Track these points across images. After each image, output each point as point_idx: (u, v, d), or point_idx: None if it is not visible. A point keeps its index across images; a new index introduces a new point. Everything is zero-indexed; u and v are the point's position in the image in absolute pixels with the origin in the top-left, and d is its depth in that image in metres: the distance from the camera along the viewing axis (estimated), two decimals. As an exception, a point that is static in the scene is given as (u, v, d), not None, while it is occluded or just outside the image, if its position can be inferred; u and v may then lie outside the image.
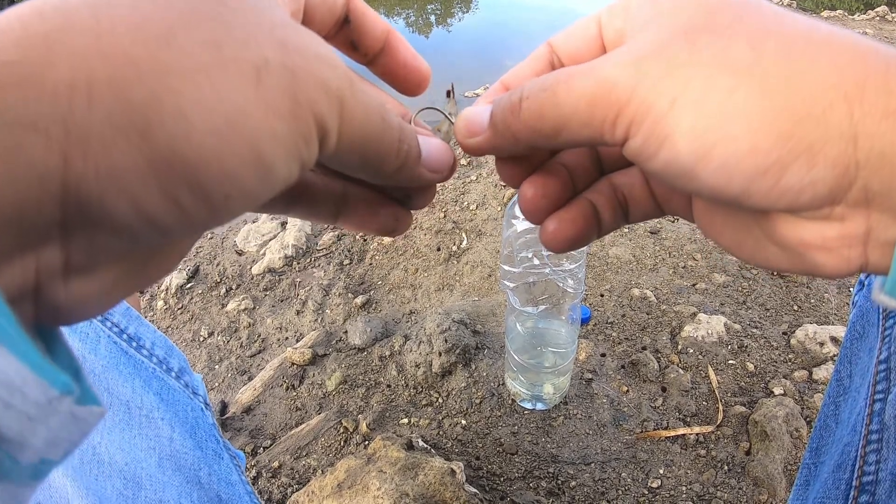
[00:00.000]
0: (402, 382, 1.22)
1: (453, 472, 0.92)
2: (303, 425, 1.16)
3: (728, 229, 0.29)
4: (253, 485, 1.05)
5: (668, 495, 0.99)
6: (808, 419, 1.07)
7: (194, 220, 0.20)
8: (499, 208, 1.68)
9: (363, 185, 0.31)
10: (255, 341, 1.46)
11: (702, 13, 0.24)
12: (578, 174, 0.33)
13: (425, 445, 1.03)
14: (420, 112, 0.33)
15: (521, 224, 0.93)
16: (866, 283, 0.55)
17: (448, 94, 0.34)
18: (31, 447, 0.18)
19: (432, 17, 6.17)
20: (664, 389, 1.15)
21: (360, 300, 1.48)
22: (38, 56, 0.17)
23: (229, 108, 0.19)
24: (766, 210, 0.25)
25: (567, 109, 0.25)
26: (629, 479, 1.01)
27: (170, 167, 0.18)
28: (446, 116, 0.34)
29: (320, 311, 1.49)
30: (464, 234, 1.63)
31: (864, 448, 0.46)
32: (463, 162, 1.94)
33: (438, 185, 1.65)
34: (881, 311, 0.49)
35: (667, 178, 0.25)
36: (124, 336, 0.59)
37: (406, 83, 0.33)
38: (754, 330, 1.27)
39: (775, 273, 1.43)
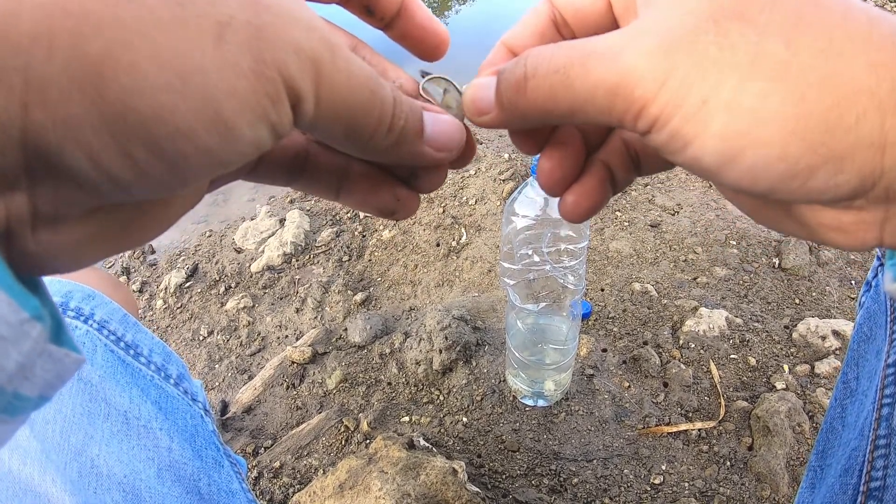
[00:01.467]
0: (403, 380, 1.22)
1: (455, 471, 0.92)
2: (304, 425, 1.15)
3: (748, 200, 0.29)
4: (254, 485, 1.04)
5: (670, 492, 0.98)
6: (810, 414, 1.06)
7: (154, 178, 0.20)
8: (498, 203, 1.67)
9: (366, 161, 0.30)
10: (255, 340, 1.45)
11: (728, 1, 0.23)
12: (590, 133, 0.32)
13: (426, 444, 1.03)
14: (428, 80, 0.31)
15: (521, 221, 0.92)
16: (873, 283, 0.54)
17: (423, 75, 0.32)
18: (4, 370, 0.18)
19: (429, 11, 6.13)
20: (666, 385, 1.15)
21: (359, 297, 1.48)
22: (5, 9, 0.17)
23: (185, 64, 0.19)
24: (788, 202, 0.26)
25: (582, 95, 0.24)
26: (631, 476, 1.01)
27: (123, 121, 0.18)
28: (454, 87, 0.31)
29: (320, 309, 1.48)
30: (463, 230, 1.62)
31: (871, 453, 0.46)
32: (461, 156, 1.93)
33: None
34: (889, 313, 0.49)
35: (689, 169, 0.25)
36: (121, 344, 0.58)
37: (423, 46, 0.32)
38: (756, 324, 1.27)
39: (777, 266, 1.42)
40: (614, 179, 0.32)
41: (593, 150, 0.32)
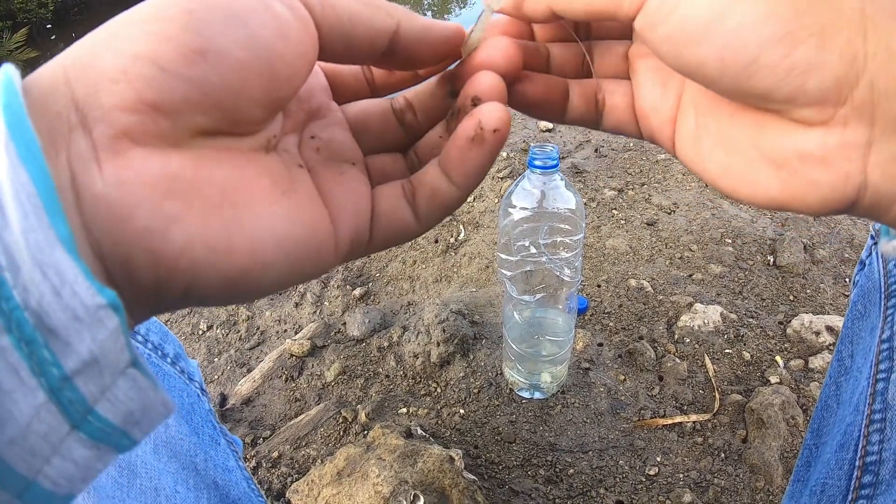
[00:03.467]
0: (401, 373, 1.22)
1: (452, 459, 0.92)
2: (302, 416, 1.16)
3: (716, 152, 0.28)
4: (253, 474, 1.05)
5: (665, 482, 0.99)
6: (804, 407, 1.07)
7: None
8: (496, 200, 1.68)
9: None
10: (254, 334, 1.46)
11: None
12: (565, 67, 0.34)
13: (424, 434, 1.04)
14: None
15: (518, 213, 0.93)
16: (867, 262, 0.55)
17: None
18: (76, 353, 0.18)
19: (428, 13, 6.16)
20: (661, 378, 1.16)
21: (358, 292, 1.48)
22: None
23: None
24: (770, 96, 0.24)
25: None
26: (627, 467, 1.02)
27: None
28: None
29: (319, 304, 1.49)
30: (461, 226, 1.63)
31: (867, 428, 0.47)
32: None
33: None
34: (883, 290, 0.50)
35: (674, 46, 0.25)
36: None
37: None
38: (750, 319, 1.28)
39: (771, 264, 1.44)
40: (568, 104, 0.33)
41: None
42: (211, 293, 0.23)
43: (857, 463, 0.47)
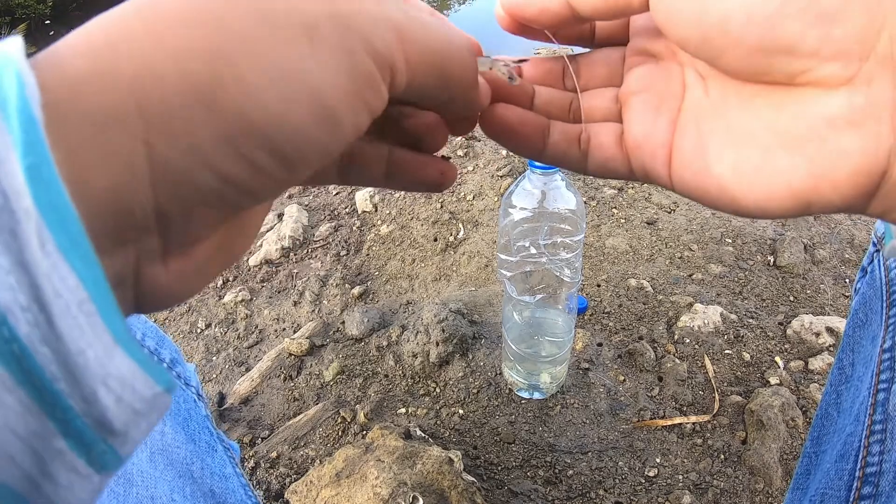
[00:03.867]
0: (400, 372, 1.22)
1: (451, 460, 0.92)
2: (301, 416, 1.15)
3: (726, 153, 0.27)
4: (251, 475, 1.05)
5: (664, 484, 0.99)
6: (803, 408, 1.07)
7: (277, 178, 0.22)
8: (496, 199, 1.68)
9: (406, 145, 0.32)
10: (253, 332, 1.45)
11: None
12: (550, 108, 0.34)
13: (423, 435, 1.03)
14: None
15: (519, 213, 0.93)
16: (868, 269, 0.55)
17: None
18: (132, 440, 0.19)
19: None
20: (661, 379, 1.16)
21: (357, 291, 1.48)
22: (104, 66, 0.18)
23: (286, 68, 0.20)
24: (796, 49, 0.24)
25: None
26: (626, 468, 1.01)
27: (243, 133, 0.20)
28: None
29: (317, 302, 1.48)
30: (461, 225, 1.62)
31: (867, 438, 0.46)
32: (459, 153, 1.94)
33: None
34: (885, 298, 0.49)
35: (693, 13, 0.25)
36: None
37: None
38: (750, 320, 1.27)
39: (772, 264, 1.43)
40: (547, 139, 0.33)
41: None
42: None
43: (856, 473, 0.47)
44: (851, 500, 0.47)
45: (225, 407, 1.22)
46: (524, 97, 0.33)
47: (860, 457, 0.47)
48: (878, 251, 0.53)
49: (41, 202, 0.16)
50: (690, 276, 1.41)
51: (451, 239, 1.59)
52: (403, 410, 1.14)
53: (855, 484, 0.47)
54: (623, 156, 0.32)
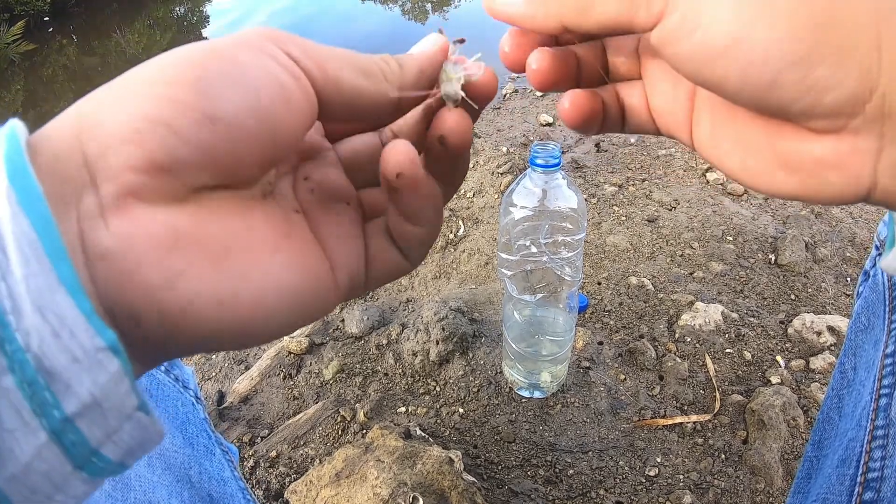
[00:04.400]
0: (400, 371, 1.22)
1: (451, 460, 0.92)
2: (300, 415, 1.15)
3: (735, 152, 0.29)
4: (251, 474, 1.05)
5: (665, 483, 0.99)
6: (805, 408, 1.07)
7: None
8: (496, 196, 1.67)
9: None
10: (252, 330, 1.45)
11: None
12: (586, 72, 0.34)
13: (423, 434, 1.03)
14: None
15: (519, 212, 0.92)
16: (871, 273, 0.54)
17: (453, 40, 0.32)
18: (76, 395, 0.19)
19: (428, 6, 6.13)
20: (661, 378, 1.15)
21: (356, 288, 1.48)
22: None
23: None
24: (787, 110, 0.25)
25: None
26: (626, 468, 1.01)
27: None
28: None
29: (317, 300, 1.48)
30: (461, 222, 1.62)
31: (869, 444, 0.46)
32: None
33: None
34: (887, 303, 0.49)
35: (695, 63, 0.26)
36: None
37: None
38: (751, 319, 1.27)
39: (773, 262, 1.43)
40: (606, 115, 0.34)
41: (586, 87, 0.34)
42: (217, 344, 0.23)
43: (858, 479, 0.46)
44: None
45: (224, 406, 1.22)
46: (571, 69, 0.33)
47: (862, 462, 0.46)
48: (880, 254, 0.53)
49: (7, 157, 0.19)
50: (691, 274, 1.41)
51: (451, 236, 1.59)
52: (403, 409, 1.14)
53: (856, 489, 0.46)
54: (652, 120, 0.34)
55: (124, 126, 0.21)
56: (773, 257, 1.44)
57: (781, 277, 1.39)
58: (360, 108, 0.27)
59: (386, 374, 1.22)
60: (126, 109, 0.21)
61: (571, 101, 0.32)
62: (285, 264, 0.25)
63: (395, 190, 0.27)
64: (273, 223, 0.26)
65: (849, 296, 1.35)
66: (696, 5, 0.24)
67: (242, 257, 0.24)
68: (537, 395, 1.12)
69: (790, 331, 1.23)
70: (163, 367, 0.60)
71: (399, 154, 0.26)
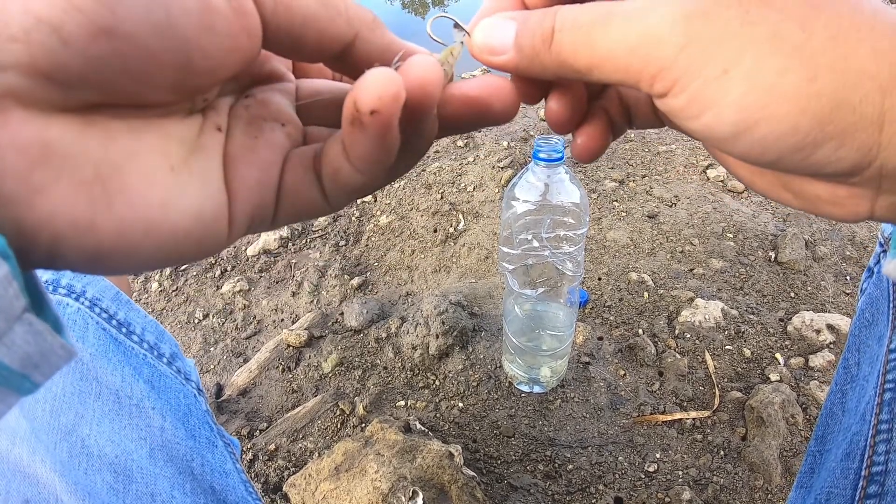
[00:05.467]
0: (399, 365, 1.21)
1: (451, 454, 0.92)
2: (299, 408, 1.15)
3: (745, 170, 0.32)
4: (249, 468, 1.04)
5: (664, 479, 0.99)
6: (803, 406, 1.07)
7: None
8: (496, 190, 1.67)
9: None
10: (251, 323, 1.45)
11: None
12: (591, 84, 0.34)
13: (423, 428, 1.03)
14: (436, 19, 0.31)
15: (521, 206, 0.92)
16: (875, 270, 0.54)
17: (456, 26, 0.30)
18: None
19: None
20: (661, 374, 1.15)
21: (356, 282, 1.48)
22: None
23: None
24: (787, 173, 0.28)
25: (602, 53, 0.26)
26: (626, 463, 1.01)
27: None
28: (462, 29, 0.30)
29: (316, 293, 1.48)
30: (461, 216, 1.62)
31: (873, 438, 0.46)
32: (460, 143, 1.93)
33: (436, 166, 1.62)
34: (891, 299, 0.49)
35: (699, 137, 0.27)
36: (113, 322, 0.57)
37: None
38: (751, 316, 1.27)
39: (773, 260, 1.43)
40: (614, 126, 0.34)
41: (593, 99, 0.34)
42: (75, 265, 0.22)
43: (862, 473, 0.46)
44: (857, 499, 0.46)
45: (223, 398, 1.22)
46: (579, 91, 0.33)
47: (866, 456, 0.46)
48: (884, 251, 0.53)
49: None
50: (691, 270, 1.41)
51: (451, 230, 1.59)
52: (402, 403, 1.14)
53: (861, 483, 0.46)
54: (657, 118, 0.34)
55: (15, 23, 0.19)
56: (773, 255, 1.44)
57: (781, 275, 1.39)
58: (306, 38, 0.25)
59: (385, 368, 1.22)
60: (25, 7, 0.19)
61: (584, 147, 0.34)
62: (163, 199, 0.23)
63: (357, 126, 0.24)
64: (171, 149, 0.24)
65: (848, 294, 1.35)
66: (703, 93, 0.24)
67: (113, 183, 0.21)
68: (537, 389, 1.12)
69: (790, 328, 1.23)
70: (165, 359, 0.60)
71: (382, 86, 0.23)
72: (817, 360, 1.15)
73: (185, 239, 0.23)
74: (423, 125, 0.26)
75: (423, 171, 1.81)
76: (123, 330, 0.58)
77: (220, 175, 0.25)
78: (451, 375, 1.17)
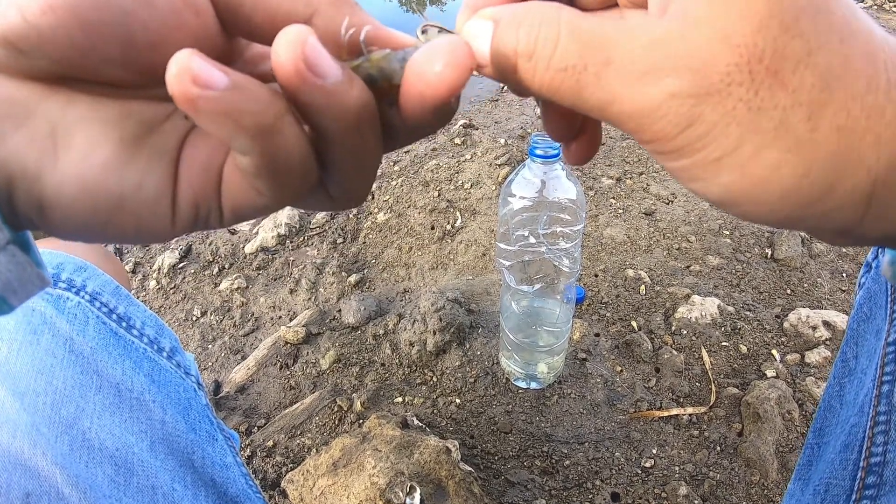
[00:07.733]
0: (397, 361, 1.22)
1: (448, 450, 0.92)
2: (297, 404, 1.15)
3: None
4: (247, 464, 1.04)
5: (661, 475, 0.99)
6: (800, 402, 1.07)
7: None
8: (493, 187, 1.67)
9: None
10: (249, 320, 1.45)
11: (770, 41, 0.22)
12: None
13: (420, 424, 1.03)
14: (421, 30, 0.28)
15: (518, 202, 0.92)
16: (873, 264, 0.54)
17: (424, 31, 0.28)
18: None
19: (426, -3, 6.10)
20: (658, 370, 1.16)
21: (353, 279, 1.48)
22: None
23: None
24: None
25: (592, 103, 0.24)
26: (622, 459, 1.02)
27: None
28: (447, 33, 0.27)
29: (314, 290, 1.48)
30: (458, 213, 1.62)
31: (871, 429, 0.47)
32: (457, 141, 1.93)
33: (433, 164, 1.62)
34: (889, 293, 0.49)
35: (696, 193, 0.27)
36: (114, 316, 0.57)
37: None
38: (747, 312, 1.27)
39: (769, 257, 1.43)
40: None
41: None
42: (28, 215, 0.24)
43: (861, 464, 0.47)
44: (856, 489, 0.47)
45: (221, 395, 1.22)
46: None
47: (864, 447, 0.47)
48: (882, 247, 0.53)
49: None
50: (688, 267, 1.41)
51: (449, 227, 1.59)
52: (400, 399, 1.14)
53: (859, 473, 0.47)
54: None
55: None
56: (769, 252, 1.44)
57: (777, 272, 1.39)
58: (256, 21, 0.25)
59: (383, 365, 1.22)
60: None
61: (576, 153, 0.33)
62: (104, 163, 0.24)
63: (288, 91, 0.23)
64: (124, 125, 0.24)
65: (844, 291, 1.35)
66: (695, 168, 0.24)
67: (62, 141, 0.23)
68: (534, 385, 1.13)
69: (786, 325, 1.23)
70: (165, 353, 0.60)
71: (297, 48, 0.21)
72: (813, 357, 1.16)
73: (122, 209, 0.24)
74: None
75: (420, 168, 1.81)
76: (123, 324, 0.58)
77: (172, 157, 0.25)
78: (448, 372, 1.17)
